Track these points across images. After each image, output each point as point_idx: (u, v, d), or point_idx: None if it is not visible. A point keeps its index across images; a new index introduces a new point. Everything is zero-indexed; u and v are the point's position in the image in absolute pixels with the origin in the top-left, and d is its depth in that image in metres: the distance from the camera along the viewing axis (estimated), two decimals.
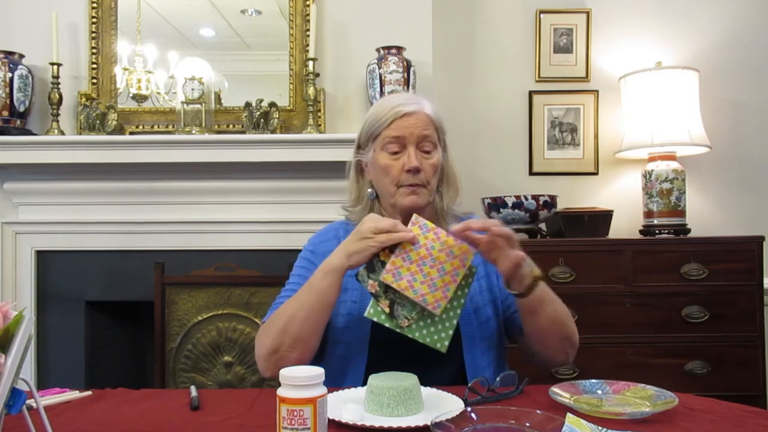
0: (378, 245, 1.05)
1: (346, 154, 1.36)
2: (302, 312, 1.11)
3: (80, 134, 2.25)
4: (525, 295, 1.09)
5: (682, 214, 2.35)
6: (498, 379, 1.05)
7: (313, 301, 1.11)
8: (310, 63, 2.21)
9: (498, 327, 1.24)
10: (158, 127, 2.33)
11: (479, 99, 2.66)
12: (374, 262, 1.07)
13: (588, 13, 2.65)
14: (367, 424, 0.86)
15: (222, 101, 2.36)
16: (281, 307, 1.18)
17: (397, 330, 1.06)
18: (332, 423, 0.86)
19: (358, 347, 1.17)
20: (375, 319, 1.07)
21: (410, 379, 0.95)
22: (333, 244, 1.26)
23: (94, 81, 2.31)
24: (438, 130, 1.26)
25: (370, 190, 1.29)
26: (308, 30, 2.26)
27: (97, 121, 2.21)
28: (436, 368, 1.05)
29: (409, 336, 1.06)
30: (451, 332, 1.06)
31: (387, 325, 1.07)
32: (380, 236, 1.05)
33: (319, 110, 2.27)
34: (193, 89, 2.24)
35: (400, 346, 1.09)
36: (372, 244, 1.05)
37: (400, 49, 2.21)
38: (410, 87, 2.19)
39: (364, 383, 1.10)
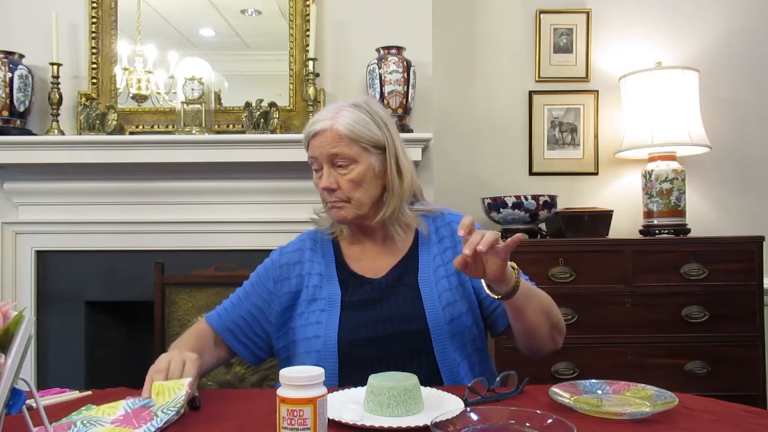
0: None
1: None
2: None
3: (80, 134, 2.25)
4: (514, 293, 1.06)
5: (682, 214, 2.35)
6: (498, 379, 1.05)
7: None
8: (310, 63, 2.22)
9: (474, 322, 1.23)
10: (158, 127, 2.33)
11: (479, 99, 2.66)
12: None
13: (588, 13, 2.65)
14: (367, 424, 0.86)
15: (222, 101, 2.36)
16: (198, 338, 1.26)
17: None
18: (332, 423, 0.86)
19: (328, 353, 1.17)
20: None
21: (410, 379, 0.95)
22: (295, 256, 1.29)
23: (94, 81, 2.31)
24: (357, 142, 1.19)
25: None
26: (308, 30, 2.27)
27: (97, 121, 2.21)
28: (408, 368, 1.04)
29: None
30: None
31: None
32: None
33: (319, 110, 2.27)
34: (193, 89, 2.24)
35: (369, 347, 1.09)
36: None
37: (400, 49, 2.21)
38: (410, 87, 2.19)
39: (339, 385, 1.12)
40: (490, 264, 1.01)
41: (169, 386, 0.96)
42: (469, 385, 1.01)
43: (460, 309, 1.22)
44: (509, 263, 1.05)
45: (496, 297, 1.08)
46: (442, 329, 1.18)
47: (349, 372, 1.15)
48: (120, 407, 0.94)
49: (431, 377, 1.14)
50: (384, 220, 1.25)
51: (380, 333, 1.17)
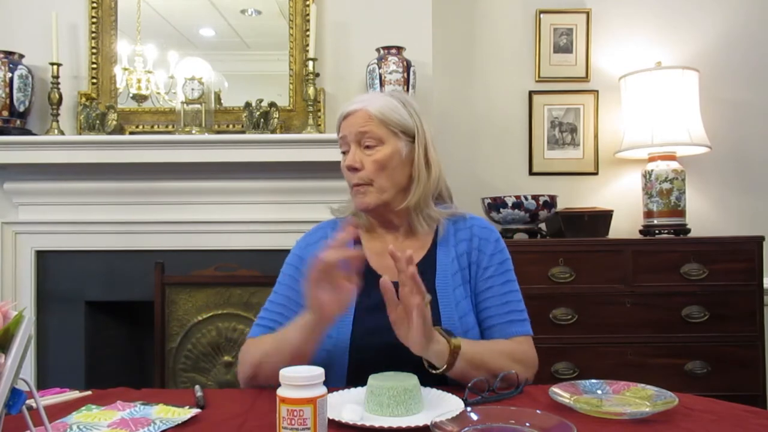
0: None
1: None
2: (277, 357, 1.08)
3: (80, 134, 2.25)
4: (449, 368, 1.05)
5: (682, 214, 2.35)
6: (498, 379, 1.05)
7: (287, 351, 1.08)
8: (310, 63, 2.21)
9: (480, 335, 1.22)
10: (158, 127, 2.33)
11: (479, 99, 2.66)
12: None
13: (588, 13, 2.65)
14: (367, 424, 0.86)
15: (222, 101, 2.36)
16: (263, 338, 1.18)
17: None
18: (332, 423, 0.86)
19: (338, 353, 1.16)
20: None
21: (410, 379, 0.95)
22: (320, 246, 1.26)
23: (94, 81, 2.31)
24: (386, 124, 1.21)
25: None
26: (308, 30, 2.26)
27: (97, 121, 2.21)
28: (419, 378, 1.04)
29: None
30: None
31: None
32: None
33: (319, 110, 2.27)
34: (193, 89, 2.24)
35: (379, 354, 1.08)
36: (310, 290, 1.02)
37: (400, 49, 2.21)
38: (410, 87, 2.19)
39: (346, 386, 1.11)
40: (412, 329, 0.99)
41: (175, 410, 0.97)
42: (469, 385, 1.01)
43: (472, 321, 1.20)
44: (453, 340, 1.04)
45: (433, 372, 1.06)
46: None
47: (357, 374, 1.12)
48: (117, 415, 0.94)
49: (438, 380, 1.12)
50: (409, 208, 1.24)
51: (393, 340, 1.09)
